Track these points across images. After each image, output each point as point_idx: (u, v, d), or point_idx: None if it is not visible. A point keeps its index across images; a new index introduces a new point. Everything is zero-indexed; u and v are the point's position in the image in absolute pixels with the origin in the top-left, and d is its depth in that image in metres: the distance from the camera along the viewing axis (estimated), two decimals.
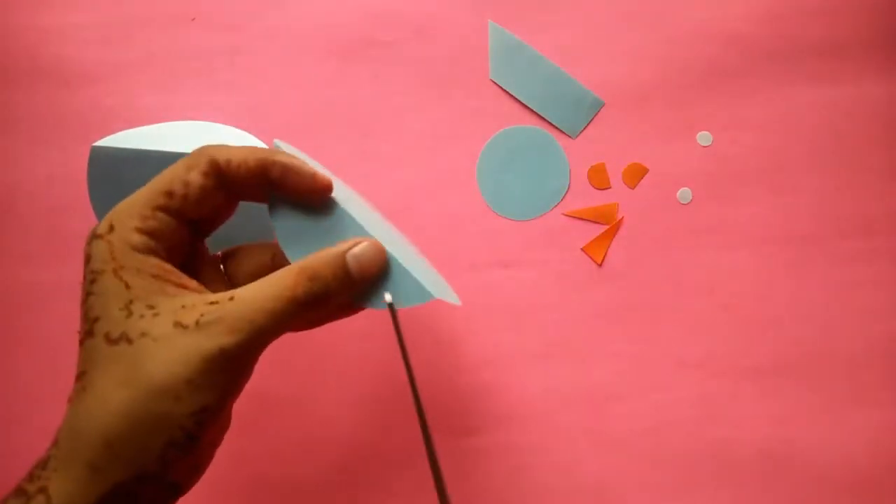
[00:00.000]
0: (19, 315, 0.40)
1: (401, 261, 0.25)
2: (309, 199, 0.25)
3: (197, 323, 0.22)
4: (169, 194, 0.23)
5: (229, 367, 0.22)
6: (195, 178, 0.24)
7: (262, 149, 0.25)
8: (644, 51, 0.41)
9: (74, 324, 0.40)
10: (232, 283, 0.27)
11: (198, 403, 0.22)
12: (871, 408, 0.39)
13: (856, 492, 0.38)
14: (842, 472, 0.38)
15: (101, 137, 0.39)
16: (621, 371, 0.39)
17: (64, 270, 0.40)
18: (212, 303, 0.22)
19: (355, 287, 0.24)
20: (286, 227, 0.25)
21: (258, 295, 0.23)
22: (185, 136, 0.39)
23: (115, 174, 0.39)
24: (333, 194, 0.26)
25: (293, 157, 0.25)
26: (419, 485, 0.39)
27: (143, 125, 0.40)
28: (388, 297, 0.25)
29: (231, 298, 0.23)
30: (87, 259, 0.23)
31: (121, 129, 0.39)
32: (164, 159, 0.38)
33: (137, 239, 0.23)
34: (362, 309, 0.26)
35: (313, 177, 0.25)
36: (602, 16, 0.41)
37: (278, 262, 0.27)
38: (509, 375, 0.39)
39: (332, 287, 0.24)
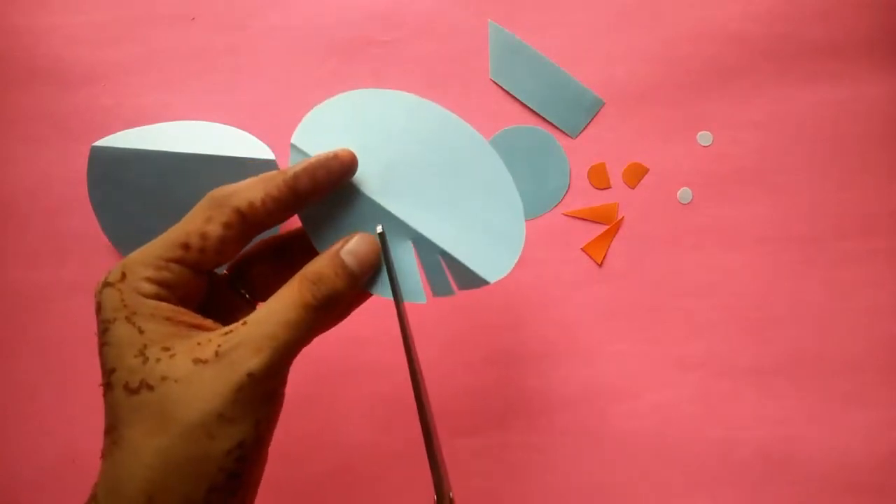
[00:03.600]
0: (19, 315, 0.40)
1: (437, 242, 0.27)
2: (345, 181, 0.25)
3: (216, 354, 0.21)
4: (185, 247, 0.23)
5: (260, 393, 0.21)
6: (214, 230, 0.23)
7: (271, 174, 0.24)
8: (644, 51, 0.41)
9: (74, 324, 0.40)
10: (252, 295, 0.27)
11: (233, 439, 0.21)
12: (871, 408, 0.39)
13: (855, 491, 0.38)
14: (841, 472, 0.38)
15: (101, 137, 0.39)
16: (622, 371, 0.39)
17: (63, 270, 0.40)
18: (226, 333, 0.22)
19: (359, 279, 0.25)
20: (312, 218, 0.26)
21: (271, 311, 0.22)
22: (185, 136, 0.39)
23: (114, 174, 0.39)
24: (359, 176, 0.26)
25: (304, 160, 0.25)
26: (421, 485, 0.38)
27: (143, 125, 0.40)
28: (379, 228, 0.26)
29: (244, 323, 0.22)
30: (98, 308, 0.22)
31: (121, 129, 0.39)
32: (163, 159, 0.38)
33: (148, 288, 0.22)
34: (371, 295, 0.27)
35: (336, 157, 0.25)
36: (602, 16, 0.41)
37: (280, 259, 0.27)
38: (509, 375, 0.39)
39: (337, 285, 0.24)
